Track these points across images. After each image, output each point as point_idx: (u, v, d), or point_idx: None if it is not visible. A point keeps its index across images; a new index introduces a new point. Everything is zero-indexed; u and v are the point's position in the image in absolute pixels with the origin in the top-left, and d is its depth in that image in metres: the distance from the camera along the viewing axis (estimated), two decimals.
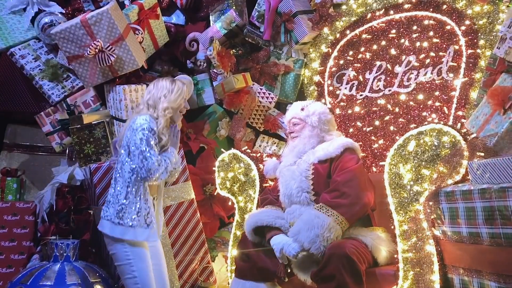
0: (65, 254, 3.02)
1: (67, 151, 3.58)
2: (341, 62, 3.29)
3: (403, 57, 3.03)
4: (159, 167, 2.40)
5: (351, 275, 2.15)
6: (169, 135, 2.57)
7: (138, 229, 2.42)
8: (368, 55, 3.17)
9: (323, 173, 2.55)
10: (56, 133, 3.53)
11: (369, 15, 3.19)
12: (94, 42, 3.08)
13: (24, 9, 3.66)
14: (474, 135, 2.40)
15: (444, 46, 2.89)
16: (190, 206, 3.23)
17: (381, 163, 2.64)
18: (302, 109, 2.77)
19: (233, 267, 2.72)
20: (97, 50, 3.07)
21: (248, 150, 3.21)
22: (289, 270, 2.42)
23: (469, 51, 2.78)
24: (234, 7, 3.66)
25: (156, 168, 2.39)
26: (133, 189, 2.45)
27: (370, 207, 2.48)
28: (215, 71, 3.61)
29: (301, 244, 2.30)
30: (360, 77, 3.19)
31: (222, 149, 3.25)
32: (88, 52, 3.08)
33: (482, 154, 2.23)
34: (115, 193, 2.48)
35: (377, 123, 3.06)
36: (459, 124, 2.65)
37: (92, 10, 3.37)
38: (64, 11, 3.60)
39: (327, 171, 2.55)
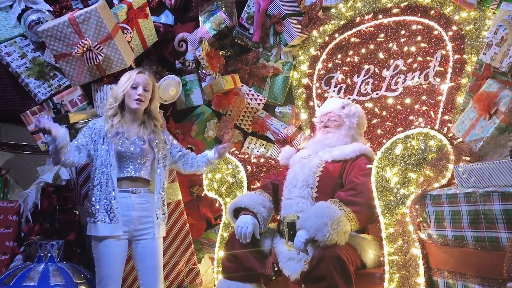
0: (49, 254, 2.98)
1: None
2: (330, 65, 3.31)
3: (391, 61, 3.05)
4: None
5: (342, 276, 2.15)
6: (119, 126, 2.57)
7: (99, 225, 2.44)
8: (356, 58, 3.19)
9: (333, 172, 2.54)
10: (42, 132, 3.49)
11: (358, 19, 3.21)
12: (82, 40, 3.05)
13: (11, 6, 3.61)
14: (460, 139, 2.43)
15: (432, 51, 2.92)
16: (177, 207, 3.21)
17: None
18: (343, 108, 2.76)
19: (220, 269, 2.72)
20: (85, 49, 3.04)
21: (236, 152, 3.20)
22: (276, 269, 2.42)
23: (456, 56, 2.81)
24: (223, 8, 3.66)
25: None
26: (93, 183, 2.51)
27: None
28: (204, 72, 3.60)
29: (308, 230, 2.23)
30: (348, 80, 3.21)
31: None
32: (76, 51, 3.05)
33: (468, 158, 2.26)
34: None
35: None
36: (445, 128, 2.68)
37: (81, 8, 3.34)
38: (51, 9, 3.57)
39: (338, 171, 2.54)
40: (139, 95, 2.53)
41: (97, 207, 2.45)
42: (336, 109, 2.76)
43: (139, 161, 2.55)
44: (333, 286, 2.14)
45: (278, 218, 2.69)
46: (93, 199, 2.48)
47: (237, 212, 2.62)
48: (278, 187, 2.73)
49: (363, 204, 2.34)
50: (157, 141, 2.62)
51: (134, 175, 2.53)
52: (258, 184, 2.98)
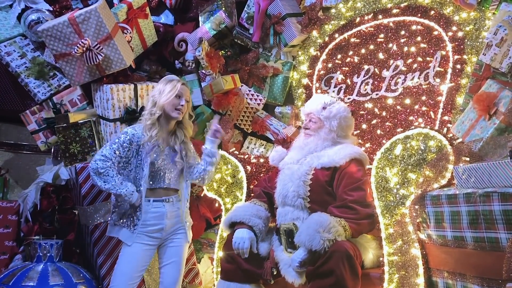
0: (48, 254, 2.98)
1: (52, 150, 3.55)
2: (330, 65, 3.30)
3: (391, 61, 3.05)
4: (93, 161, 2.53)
5: (350, 272, 2.16)
6: (159, 132, 2.59)
7: (123, 230, 2.57)
8: (356, 59, 3.19)
9: (323, 180, 2.50)
10: (42, 132, 3.50)
11: (357, 19, 3.21)
12: (82, 40, 3.05)
13: (11, 6, 3.62)
14: (460, 140, 2.43)
15: (431, 51, 2.92)
16: None
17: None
18: (324, 108, 2.65)
19: (219, 269, 2.72)
20: (84, 49, 3.04)
21: (236, 152, 3.20)
22: (275, 272, 2.42)
23: (456, 56, 2.81)
24: (223, 8, 3.65)
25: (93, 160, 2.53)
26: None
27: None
28: (204, 71, 3.60)
29: (303, 244, 2.25)
30: (348, 81, 3.21)
31: None
32: (76, 51, 3.05)
33: (468, 158, 2.26)
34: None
35: (364, 126, 3.07)
36: (445, 129, 2.68)
37: (80, 8, 3.34)
38: (51, 9, 3.57)
39: (328, 179, 2.50)
40: (181, 105, 2.60)
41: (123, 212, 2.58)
42: (316, 110, 2.66)
43: (172, 170, 2.63)
44: (340, 281, 2.14)
45: (275, 224, 2.67)
46: (119, 204, 2.58)
47: (233, 225, 2.60)
48: (271, 196, 2.70)
49: (357, 219, 2.32)
50: (186, 150, 2.70)
51: (166, 185, 2.62)
52: None
